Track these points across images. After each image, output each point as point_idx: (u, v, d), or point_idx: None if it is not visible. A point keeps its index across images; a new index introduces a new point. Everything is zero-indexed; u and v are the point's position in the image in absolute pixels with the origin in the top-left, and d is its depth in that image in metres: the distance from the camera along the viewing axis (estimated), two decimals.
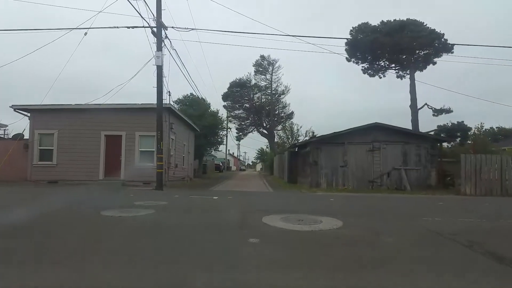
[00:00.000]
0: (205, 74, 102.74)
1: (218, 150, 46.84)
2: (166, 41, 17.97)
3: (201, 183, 24.03)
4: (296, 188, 20.90)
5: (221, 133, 37.38)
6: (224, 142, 56.70)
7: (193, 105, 34.40)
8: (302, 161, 24.62)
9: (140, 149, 19.36)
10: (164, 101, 17.93)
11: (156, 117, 16.92)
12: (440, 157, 21.26)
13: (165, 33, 17.71)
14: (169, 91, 21.37)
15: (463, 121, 38.74)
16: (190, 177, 25.96)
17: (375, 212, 10.08)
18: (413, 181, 20.53)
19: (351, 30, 39.94)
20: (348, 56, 40.94)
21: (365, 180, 20.76)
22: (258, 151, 68.82)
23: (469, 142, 26.57)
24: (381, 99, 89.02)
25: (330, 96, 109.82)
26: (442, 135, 34.95)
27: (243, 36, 50.06)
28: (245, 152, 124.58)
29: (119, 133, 19.42)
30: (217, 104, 61.59)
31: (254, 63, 53.07)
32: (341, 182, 20.83)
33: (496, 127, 45.02)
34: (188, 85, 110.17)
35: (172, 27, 17.47)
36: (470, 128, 37.09)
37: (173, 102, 35.88)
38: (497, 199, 16.40)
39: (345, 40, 39.20)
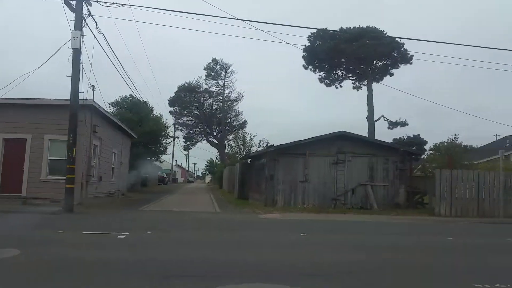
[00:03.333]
0: (149, 74, 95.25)
1: (161, 161, 42.51)
2: (92, 24, 14.17)
3: (134, 200, 20.05)
4: (248, 207, 17.59)
5: (165, 141, 33.42)
6: (169, 151, 52.39)
7: (133, 109, 30.24)
8: (255, 174, 21.42)
9: (50, 157, 15.11)
10: (87, 98, 14.10)
11: (69, 115, 12.98)
12: (410, 172, 18.97)
13: (88, 9, 13.93)
14: (93, 86, 17.33)
15: (419, 135, 37.72)
16: (122, 192, 21.83)
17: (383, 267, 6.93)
18: (380, 199, 18.01)
19: (309, 36, 37.72)
20: (305, 64, 38.81)
21: (328, 198, 17.92)
22: (207, 162, 64.88)
23: (425, 157, 24.86)
24: (339, 110, 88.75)
25: (286, 105, 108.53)
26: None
27: (192, 18, 46.01)
28: (194, 163, 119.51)
29: (23, 137, 15.09)
30: (162, 109, 57.19)
31: (205, 66, 49.49)
32: (301, 199, 17.83)
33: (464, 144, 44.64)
34: (130, 87, 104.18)
35: (97, 1, 13.71)
36: (426, 142, 36.02)
37: (109, 104, 31.54)
38: (484, 223, 14.22)
39: (303, 46, 37.04)
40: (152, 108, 32.76)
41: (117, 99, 32.56)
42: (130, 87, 51.29)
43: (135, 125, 27.82)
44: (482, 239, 10.26)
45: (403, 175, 18.36)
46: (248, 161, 25.04)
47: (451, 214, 16.16)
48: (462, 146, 21.25)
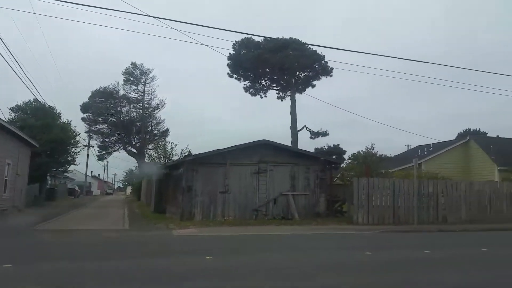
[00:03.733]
0: (56, 77, 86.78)
1: (68, 171, 38.70)
2: None
3: (31, 216, 17.46)
4: (163, 221, 16.14)
5: (74, 150, 30.32)
6: (82, 161, 48.28)
7: (36, 114, 27.05)
8: (173, 185, 19.99)
9: None
10: None
11: None
12: (330, 181, 19.00)
13: None
14: None
15: (338, 144, 39.05)
16: (18, 207, 19.01)
17: None
18: (302, 208, 17.70)
19: (234, 44, 37.24)
20: (230, 72, 38.24)
21: (249, 209, 17.16)
22: (126, 172, 61.00)
23: (344, 166, 25.58)
24: (265, 119, 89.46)
25: (213, 114, 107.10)
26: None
27: (107, 14, 43.21)
28: (115, 174, 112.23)
29: None
30: (72, 115, 52.66)
31: (123, 71, 46.51)
32: (221, 211, 16.82)
33: (363, 151, 47.13)
34: (31, 90, 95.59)
35: None
36: (345, 151, 37.36)
37: (9, 109, 28.01)
38: (400, 232, 14.43)
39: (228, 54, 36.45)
40: (60, 114, 29.69)
41: (19, 104, 29.03)
42: (30, 89, 46.49)
43: (39, 132, 24.84)
44: (402, 251, 10.12)
45: (324, 184, 18.30)
46: (168, 172, 23.51)
47: (369, 222, 16.32)
48: (378, 155, 22.01)
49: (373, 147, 19.86)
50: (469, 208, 17.62)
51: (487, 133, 45.48)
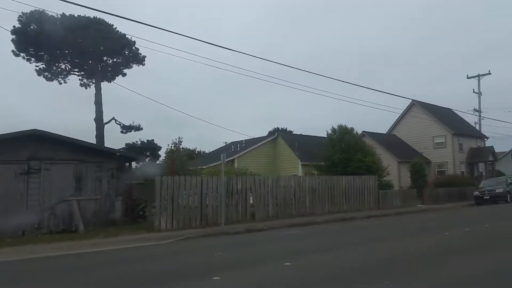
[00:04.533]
0: None
1: None
2: None
3: None
4: None
5: None
6: None
7: None
8: None
9: None
10: None
11: None
12: (130, 181, 15.90)
13: None
14: None
15: (153, 140, 36.05)
16: None
17: None
18: (91, 216, 14.16)
19: (20, 16, 29.98)
20: (16, 49, 30.70)
21: (14, 223, 12.61)
22: None
23: (161, 161, 23.17)
24: (66, 110, 77.61)
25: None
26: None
27: None
28: None
29: None
30: None
31: None
32: None
33: (182, 148, 45.36)
34: None
35: None
36: (160, 147, 34.70)
37: None
38: (207, 237, 12.47)
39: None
40: None
41: None
42: None
43: None
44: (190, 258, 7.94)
45: (121, 185, 15.10)
46: None
47: (173, 227, 14.00)
48: (186, 150, 20.03)
49: (181, 142, 17.82)
50: (276, 203, 17.25)
51: (293, 131, 49.83)
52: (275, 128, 54.25)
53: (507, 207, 22.14)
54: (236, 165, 27.57)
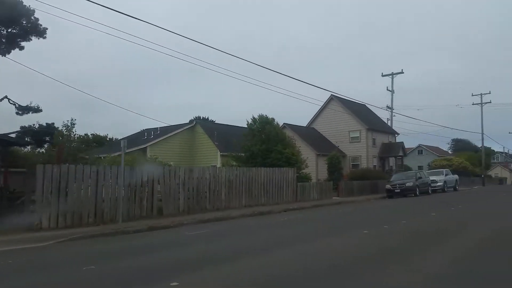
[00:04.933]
0: None
1: None
2: None
3: None
4: None
5: None
6: None
7: None
8: None
9: None
10: None
11: None
12: (6, 168, 13.09)
13: None
14: None
15: (53, 123, 31.85)
16: None
17: None
18: None
19: None
20: None
21: None
22: None
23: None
24: None
25: None
26: (27, 139, 26.72)
27: None
28: None
29: None
30: None
31: None
32: None
33: (91, 134, 41.20)
34: None
35: None
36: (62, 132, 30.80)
37: None
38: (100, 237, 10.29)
39: None
40: None
41: None
42: None
43: None
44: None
45: None
46: None
47: (58, 225, 11.68)
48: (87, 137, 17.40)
49: (74, 125, 15.19)
50: (188, 197, 15.60)
51: (215, 121, 48.09)
52: (196, 117, 52.13)
53: (416, 200, 22.98)
54: (148, 154, 25.24)
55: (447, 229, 10.14)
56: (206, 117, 53.33)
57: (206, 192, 16.32)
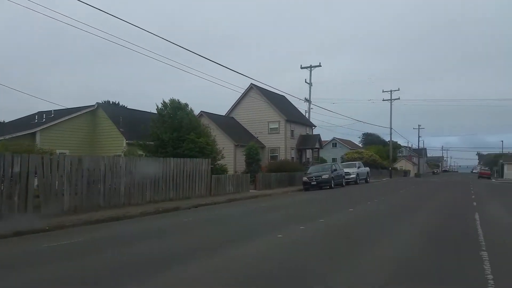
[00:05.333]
0: None
1: None
2: None
3: None
4: None
5: None
6: None
7: None
8: None
9: None
10: None
11: None
12: None
13: None
14: None
15: None
16: None
17: None
18: None
19: None
20: None
21: None
22: None
23: None
24: None
25: None
26: None
27: None
28: None
29: None
30: None
31: None
32: None
33: None
34: None
35: None
36: None
37: None
38: None
39: None
40: None
41: None
42: None
43: None
44: None
45: None
46: None
47: None
48: None
49: None
50: (75, 192, 12.89)
51: (125, 105, 44.04)
52: (105, 101, 47.41)
53: (332, 193, 22.60)
54: (38, 141, 21.48)
55: (367, 231, 9.09)
56: (117, 102, 48.91)
57: (99, 186, 13.73)
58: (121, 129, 24.66)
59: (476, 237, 7.94)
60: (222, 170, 22.19)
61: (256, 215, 13.27)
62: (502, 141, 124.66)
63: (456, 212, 13.27)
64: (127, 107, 45.21)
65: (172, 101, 20.56)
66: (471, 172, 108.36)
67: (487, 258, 6.01)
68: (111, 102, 47.88)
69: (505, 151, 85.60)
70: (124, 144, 24.54)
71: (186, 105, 20.94)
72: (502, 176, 57.91)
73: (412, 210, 13.87)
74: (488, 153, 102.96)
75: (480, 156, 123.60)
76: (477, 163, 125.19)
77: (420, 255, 6.65)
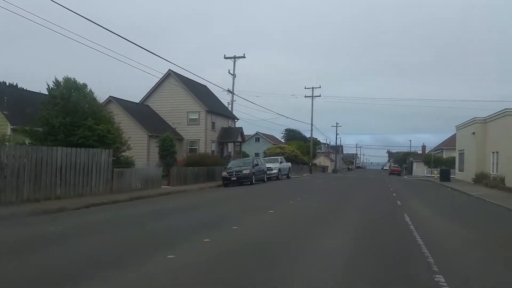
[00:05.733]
0: None
1: None
2: None
3: None
4: None
5: None
6: None
7: None
8: None
9: None
10: None
11: None
12: None
13: None
14: None
15: None
16: None
17: None
18: None
19: None
20: None
21: None
22: None
23: None
24: None
25: None
26: None
27: None
28: None
29: None
30: None
31: None
32: None
33: None
34: None
35: None
36: None
37: None
38: None
39: None
40: None
41: None
42: None
43: None
44: None
45: None
46: None
47: None
48: None
49: None
50: None
51: (17, 84, 38.17)
52: None
53: (252, 190, 21.00)
54: None
55: (287, 243, 7.28)
56: (14, 84, 42.38)
57: None
58: (4, 112, 20.45)
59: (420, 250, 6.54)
60: (128, 163, 19.29)
61: (151, 221, 10.03)
62: (410, 140, 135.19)
63: (384, 210, 12.18)
64: (17, 84, 39.31)
65: (67, 80, 17.13)
66: (382, 168, 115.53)
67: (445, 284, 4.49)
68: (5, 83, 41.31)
69: (413, 150, 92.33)
70: (9, 130, 20.41)
71: (85, 85, 17.64)
72: (411, 173, 61.62)
73: (339, 210, 12.60)
74: (397, 151, 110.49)
75: (390, 154, 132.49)
76: (387, 161, 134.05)
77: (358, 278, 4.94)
